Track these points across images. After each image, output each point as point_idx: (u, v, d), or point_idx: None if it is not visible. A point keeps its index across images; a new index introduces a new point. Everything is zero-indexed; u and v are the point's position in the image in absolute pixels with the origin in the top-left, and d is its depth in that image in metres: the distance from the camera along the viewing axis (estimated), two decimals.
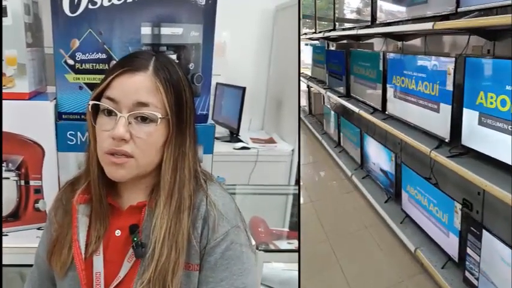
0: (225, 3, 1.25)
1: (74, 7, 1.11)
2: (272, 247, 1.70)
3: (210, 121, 1.27)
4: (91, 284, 0.88)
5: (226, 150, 2.83)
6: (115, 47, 1.14)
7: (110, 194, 0.92)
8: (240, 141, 2.95)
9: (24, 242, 1.17)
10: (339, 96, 3.63)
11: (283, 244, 1.76)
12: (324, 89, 4.17)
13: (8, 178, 1.18)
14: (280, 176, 2.85)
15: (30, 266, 1.04)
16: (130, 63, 0.85)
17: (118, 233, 0.90)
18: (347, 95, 3.51)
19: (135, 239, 0.86)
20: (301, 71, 5.44)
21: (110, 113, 0.84)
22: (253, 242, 1.27)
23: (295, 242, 1.79)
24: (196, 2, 1.13)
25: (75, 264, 0.89)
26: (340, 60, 3.59)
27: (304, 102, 5.90)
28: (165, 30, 1.14)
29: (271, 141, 3.03)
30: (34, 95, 1.22)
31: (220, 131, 3.06)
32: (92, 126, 0.87)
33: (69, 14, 1.11)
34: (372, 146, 3.05)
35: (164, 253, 0.82)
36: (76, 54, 1.14)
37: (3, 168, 1.17)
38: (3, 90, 1.14)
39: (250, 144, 2.91)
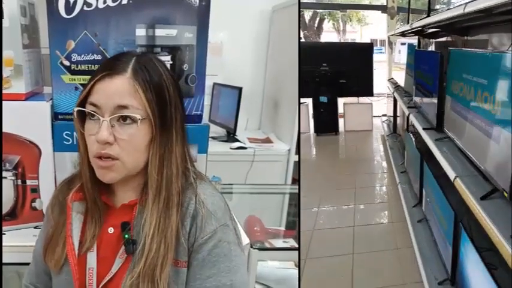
0: (222, 4, 1.27)
1: (69, 9, 1.12)
2: (268, 245, 1.72)
3: (204, 121, 1.28)
4: (84, 279, 0.90)
5: (223, 150, 2.85)
6: (110, 48, 1.15)
7: (104, 192, 0.95)
8: (237, 141, 2.97)
9: (21, 241, 1.18)
10: (424, 128, 2.07)
11: (279, 243, 1.78)
12: (408, 107, 2.71)
13: (5, 178, 1.19)
14: (276, 176, 2.87)
15: (28, 264, 1.06)
16: (110, 67, 0.87)
17: (111, 230, 0.92)
18: (437, 128, 1.96)
19: (126, 236, 0.89)
20: (392, 77, 4.74)
21: (94, 116, 0.86)
22: (248, 241, 1.29)
23: (291, 240, 1.81)
24: (190, 4, 1.15)
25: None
26: (432, 66, 2.13)
27: (390, 112, 4.71)
28: (160, 32, 1.15)
29: (267, 141, 3.05)
30: (30, 96, 1.24)
31: (217, 130, 3.07)
32: (80, 132, 0.90)
33: (65, 16, 1.13)
34: (479, 274, 1.32)
35: (153, 248, 0.85)
36: (72, 55, 1.15)
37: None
38: None
39: (247, 144, 2.92)
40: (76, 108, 0.89)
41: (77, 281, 0.90)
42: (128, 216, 0.91)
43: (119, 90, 0.85)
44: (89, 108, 0.87)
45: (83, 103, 0.88)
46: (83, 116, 0.89)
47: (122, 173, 0.88)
